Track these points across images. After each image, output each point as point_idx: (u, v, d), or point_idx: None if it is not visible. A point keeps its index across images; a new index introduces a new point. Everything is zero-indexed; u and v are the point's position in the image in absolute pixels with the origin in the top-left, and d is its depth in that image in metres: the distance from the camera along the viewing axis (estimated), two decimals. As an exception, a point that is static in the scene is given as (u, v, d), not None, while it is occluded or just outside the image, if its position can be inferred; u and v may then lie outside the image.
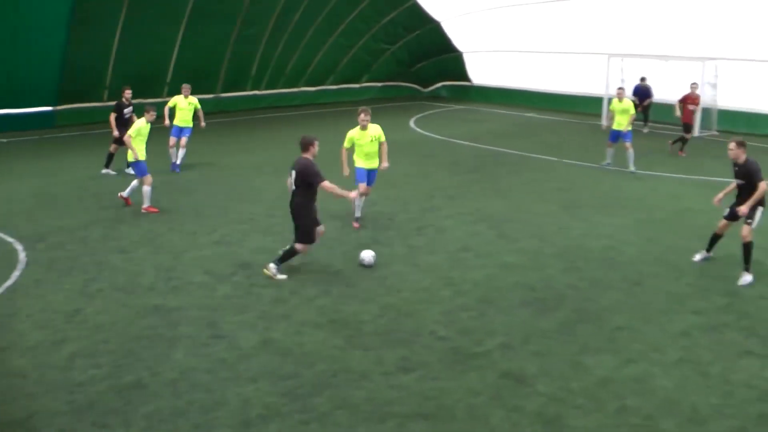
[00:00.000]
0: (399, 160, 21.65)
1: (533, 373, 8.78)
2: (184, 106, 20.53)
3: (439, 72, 40.71)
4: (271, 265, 11.85)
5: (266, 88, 34.79)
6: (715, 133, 28.90)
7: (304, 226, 11.80)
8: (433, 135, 26.98)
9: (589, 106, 33.27)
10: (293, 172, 11.68)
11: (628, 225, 15.42)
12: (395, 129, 28.03)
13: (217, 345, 9.40)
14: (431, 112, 34.67)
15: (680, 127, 24.87)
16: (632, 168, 20.74)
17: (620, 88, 21.94)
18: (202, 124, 21.00)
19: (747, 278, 12.08)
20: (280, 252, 12.04)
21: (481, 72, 39.07)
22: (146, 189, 15.69)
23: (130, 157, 15.98)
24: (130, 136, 15.80)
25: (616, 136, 21.14)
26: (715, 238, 13.01)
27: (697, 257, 13.11)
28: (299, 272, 12.05)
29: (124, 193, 16.11)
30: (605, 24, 31.43)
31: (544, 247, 13.79)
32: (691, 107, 24.80)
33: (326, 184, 11.55)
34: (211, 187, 18.16)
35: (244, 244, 13.65)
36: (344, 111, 32.15)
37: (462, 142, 25.65)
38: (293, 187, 11.75)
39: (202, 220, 15.16)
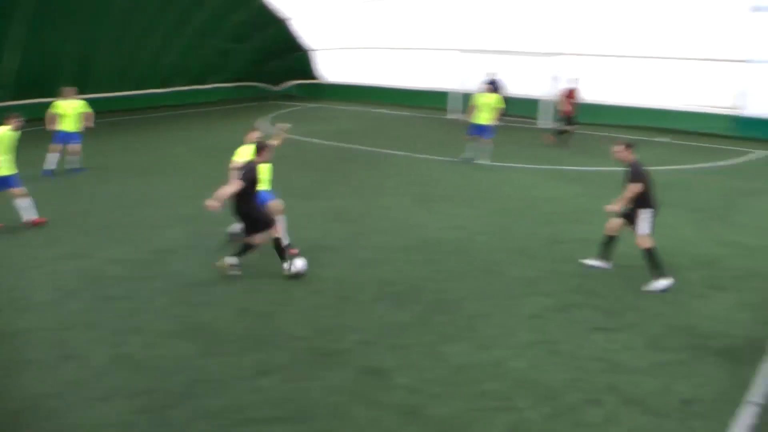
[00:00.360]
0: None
1: (392, 367, 8.88)
2: (69, 111, 19.55)
3: (289, 70, 40.54)
4: (231, 258, 11.80)
5: (111, 91, 33.23)
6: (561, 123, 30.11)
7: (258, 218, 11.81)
8: (286, 135, 26.81)
9: (439, 101, 33.91)
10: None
11: (481, 215, 15.83)
12: (247, 130, 27.73)
13: (67, 366, 8.90)
14: (284, 111, 34.52)
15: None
16: (484, 160, 21.19)
17: (490, 82, 22.47)
18: (89, 124, 20.09)
19: (657, 284, 11.65)
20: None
21: (332, 69, 39.19)
22: (21, 202, 14.49)
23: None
24: None
25: (478, 130, 21.52)
26: (608, 241, 12.51)
27: (590, 263, 12.71)
28: (154, 280, 11.74)
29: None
30: (455, 20, 32.17)
31: (399, 241, 13.96)
32: (572, 101, 25.74)
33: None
34: (64, 198, 17.41)
35: (96, 255, 13.11)
36: (195, 113, 31.60)
37: (315, 140, 25.67)
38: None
39: (51, 231, 14.46)
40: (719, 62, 27.31)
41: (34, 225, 14.56)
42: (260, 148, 11.95)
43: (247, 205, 11.73)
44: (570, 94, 25.77)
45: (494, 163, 21.35)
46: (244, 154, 12.99)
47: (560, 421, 7.75)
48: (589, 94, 27.37)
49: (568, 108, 25.60)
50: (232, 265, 11.88)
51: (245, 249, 11.95)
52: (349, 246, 13.62)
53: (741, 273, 12.55)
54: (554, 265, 12.71)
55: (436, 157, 22.48)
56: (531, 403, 8.10)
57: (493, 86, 29.38)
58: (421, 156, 22.70)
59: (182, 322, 10.19)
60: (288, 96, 40.50)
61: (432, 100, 34.51)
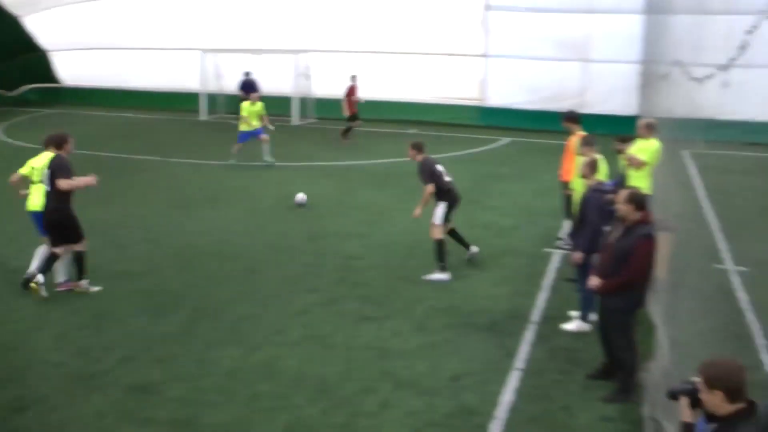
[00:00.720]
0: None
1: (160, 380, 8.58)
2: None
3: (24, 73, 37.72)
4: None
5: None
6: (314, 120, 30.51)
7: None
8: (26, 144, 25.15)
9: (186, 102, 33.20)
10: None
11: (237, 217, 15.71)
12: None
13: None
14: (20, 118, 32.30)
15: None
16: (269, 159, 20.98)
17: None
18: None
19: (435, 276, 11.87)
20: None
21: (71, 72, 37.05)
22: None
23: None
24: None
25: (246, 136, 21.14)
26: (453, 234, 12.65)
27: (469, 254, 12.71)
28: None
29: None
30: (197, 19, 31.63)
31: (156, 249, 13.53)
32: (353, 99, 25.58)
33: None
34: None
35: None
36: None
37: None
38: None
39: None
40: (461, 57, 28.79)
41: None
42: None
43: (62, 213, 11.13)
44: (350, 91, 25.91)
45: (247, 163, 21.20)
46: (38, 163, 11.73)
47: (337, 414, 7.85)
48: (341, 91, 27.96)
49: (349, 106, 25.74)
50: (40, 284, 10.92)
51: (49, 262, 11.09)
52: (105, 259, 12.94)
53: (496, 251, 13.32)
54: (315, 260, 12.84)
55: (187, 160, 21.97)
56: (307, 399, 8.15)
57: (249, 85, 29.27)
58: (175, 160, 22.11)
59: None
60: (24, 101, 37.81)
61: (181, 102, 33.69)
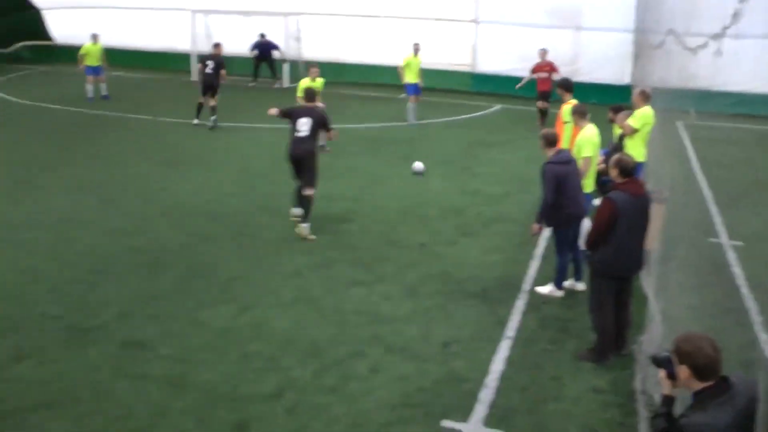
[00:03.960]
0: (-18, 132, 20.02)
1: (153, 337, 8.72)
2: None
3: (17, 31, 37.54)
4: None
5: None
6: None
7: None
8: (19, 100, 25.11)
9: (177, 62, 33.06)
10: None
11: (228, 177, 15.75)
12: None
13: None
14: (13, 75, 32.14)
15: None
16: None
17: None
18: None
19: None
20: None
21: (65, 30, 36.81)
22: None
23: None
24: None
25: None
26: None
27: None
28: None
29: None
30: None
31: (149, 207, 13.61)
32: (542, 75, 22.40)
33: None
34: None
35: None
36: None
37: (52, 106, 24.17)
38: None
39: None
40: (452, 22, 28.66)
41: None
42: None
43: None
44: (537, 68, 23.03)
45: (239, 124, 21.23)
46: None
47: (327, 376, 7.97)
48: (332, 54, 27.86)
49: (540, 82, 22.70)
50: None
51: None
52: (98, 217, 13.06)
53: (487, 219, 13.41)
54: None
55: (179, 120, 21.91)
56: (297, 360, 8.27)
57: (263, 48, 28.99)
58: (167, 119, 22.08)
59: None
60: (17, 59, 37.63)
61: (172, 62, 33.51)
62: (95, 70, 25.53)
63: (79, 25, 35.49)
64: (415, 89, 22.35)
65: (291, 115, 12.40)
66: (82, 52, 25.60)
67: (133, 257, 11.22)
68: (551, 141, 9.83)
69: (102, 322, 9.10)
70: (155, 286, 10.18)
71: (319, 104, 15.20)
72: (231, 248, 11.70)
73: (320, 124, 12.36)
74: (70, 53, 36.36)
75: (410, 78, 22.25)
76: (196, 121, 21.10)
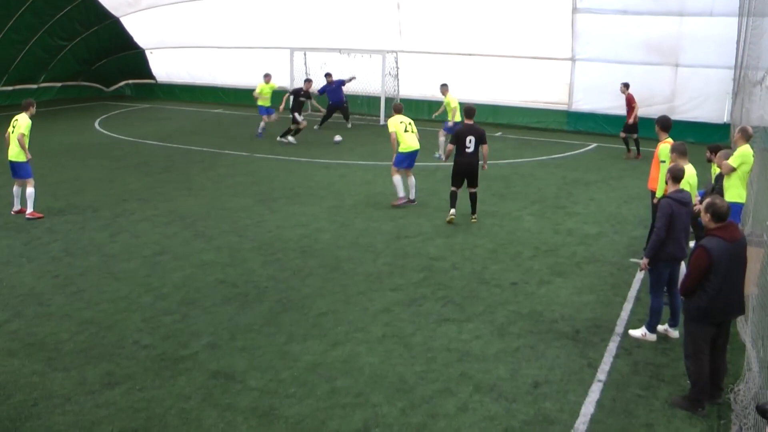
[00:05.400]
0: (86, 165, 20.69)
1: (243, 369, 8.76)
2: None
3: (121, 70, 39.09)
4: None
5: None
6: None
7: None
8: (120, 136, 25.96)
9: (275, 100, 33.70)
10: None
11: (321, 213, 15.84)
12: (80, 131, 26.78)
13: None
14: (116, 112, 33.33)
15: None
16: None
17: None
18: None
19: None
20: None
21: (165, 69, 38.16)
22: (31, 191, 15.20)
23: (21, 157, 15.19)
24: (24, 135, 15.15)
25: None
26: None
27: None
28: (-18, 295, 11.06)
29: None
30: (286, 19, 32.10)
31: (241, 242, 13.78)
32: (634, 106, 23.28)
33: None
34: None
35: None
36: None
37: (151, 142, 24.93)
38: None
39: None
40: (548, 60, 28.52)
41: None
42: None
43: None
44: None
45: (331, 161, 21.45)
46: None
47: (415, 414, 7.85)
48: (429, 91, 28.04)
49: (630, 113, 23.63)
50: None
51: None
52: (192, 249, 13.32)
53: (581, 259, 13.13)
54: (399, 260, 12.86)
55: (274, 156, 22.30)
56: (385, 397, 8.18)
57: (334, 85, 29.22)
58: (260, 155, 22.49)
59: (20, 337, 9.63)
60: (120, 96, 39.14)
61: (271, 100, 34.25)
62: (267, 111, 26.41)
63: (178, 64, 36.86)
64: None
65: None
66: (256, 92, 26.54)
67: (225, 290, 11.35)
68: (677, 177, 9.61)
69: (192, 352, 9.20)
70: (246, 319, 10.24)
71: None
72: (321, 283, 11.71)
73: None
74: (170, 91, 37.84)
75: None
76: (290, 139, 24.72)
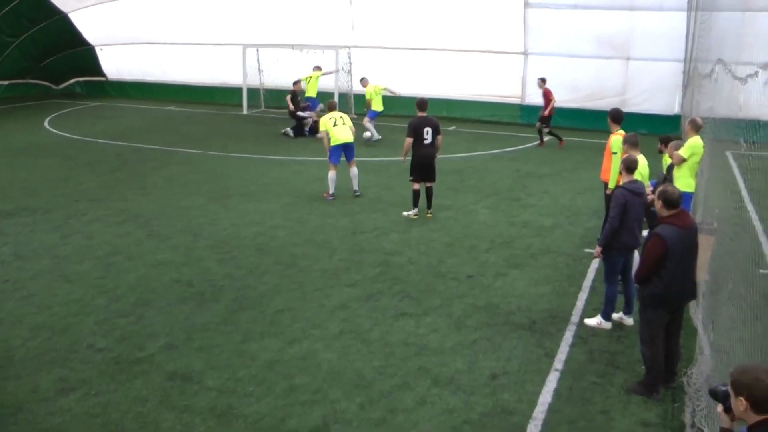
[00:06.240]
0: (36, 165, 20.35)
1: (200, 369, 8.70)
2: None
3: (70, 67, 38.30)
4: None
5: None
6: (354, 116, 30.52)
7: None
8: (71, 135, 25.56)
9: (227, 96, 33.53)
10: None
11: (276, 210, 15.78)
12: (29, 131, 26.32)
13: None
14: (66, 110, 32.79)
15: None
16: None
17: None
18: None
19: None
20: None
21: (116, 66, 37.58)
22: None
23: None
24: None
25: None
26: None
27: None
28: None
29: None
30: (238, 15, 31.87)
31: (196, 240, 13.67)
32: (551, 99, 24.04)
33: None
34: None
35: None
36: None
37: (102, 140, 24.56)
38: None
39: None
40: (501, 54, 28.70)
41: None
42: None
43: None
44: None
45: (285, 158, 21.36)
46: None
47: (374, 409, 7.88)
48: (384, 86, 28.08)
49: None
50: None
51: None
52: (146, 249, 13.18)
53: (536, 251, 13.26)
54: (355, 255, 12.87)
55: (228, 154, 22.14)
56: (344, 393, 8.19)
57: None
58: (213, 153, 22.31)
59: (-33, 344, 9.46)
60: (70, 94, 38.50)
61: (222, 96, 34.02)
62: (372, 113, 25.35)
63: (131, 61, 36.37)
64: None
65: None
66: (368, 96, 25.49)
67: (180, 290, 11.25)
68: (630, 168, 9.79)
69: (148, 354, 9.11)
70: (202, 319, 10.17)
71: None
72: (277, 281, 11.66)
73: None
74: (121, 88, 37.35)
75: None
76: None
